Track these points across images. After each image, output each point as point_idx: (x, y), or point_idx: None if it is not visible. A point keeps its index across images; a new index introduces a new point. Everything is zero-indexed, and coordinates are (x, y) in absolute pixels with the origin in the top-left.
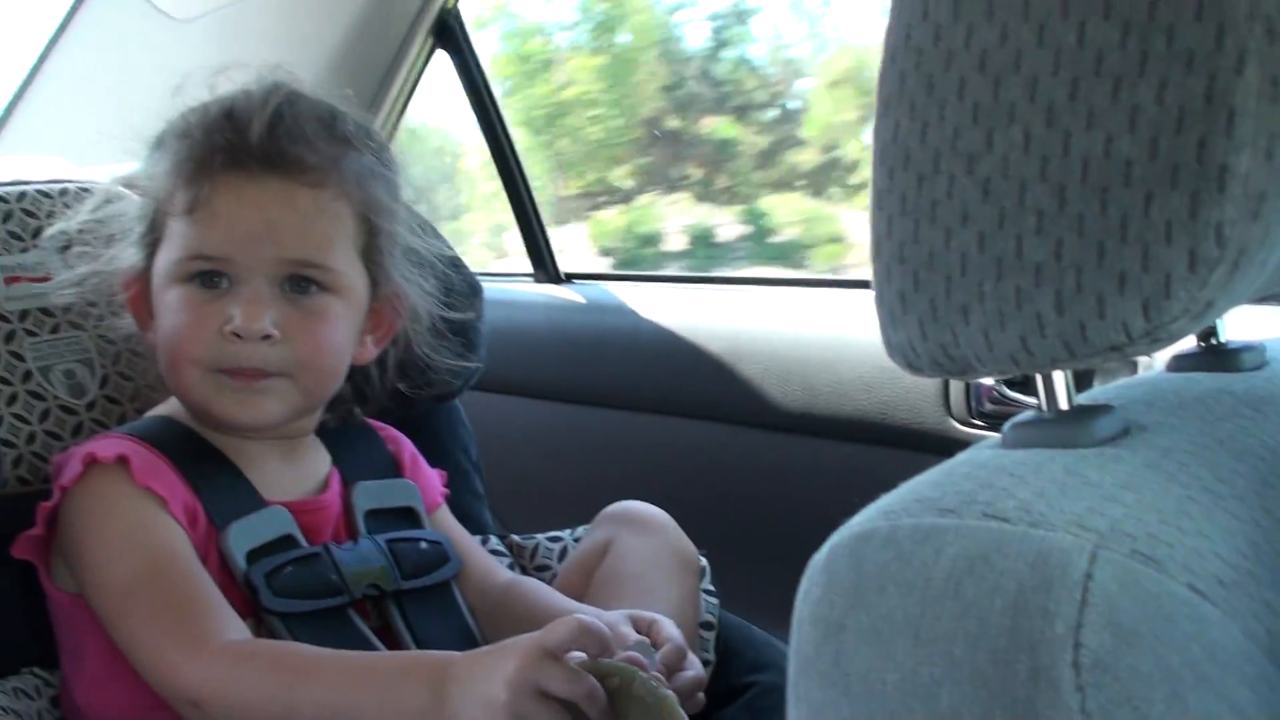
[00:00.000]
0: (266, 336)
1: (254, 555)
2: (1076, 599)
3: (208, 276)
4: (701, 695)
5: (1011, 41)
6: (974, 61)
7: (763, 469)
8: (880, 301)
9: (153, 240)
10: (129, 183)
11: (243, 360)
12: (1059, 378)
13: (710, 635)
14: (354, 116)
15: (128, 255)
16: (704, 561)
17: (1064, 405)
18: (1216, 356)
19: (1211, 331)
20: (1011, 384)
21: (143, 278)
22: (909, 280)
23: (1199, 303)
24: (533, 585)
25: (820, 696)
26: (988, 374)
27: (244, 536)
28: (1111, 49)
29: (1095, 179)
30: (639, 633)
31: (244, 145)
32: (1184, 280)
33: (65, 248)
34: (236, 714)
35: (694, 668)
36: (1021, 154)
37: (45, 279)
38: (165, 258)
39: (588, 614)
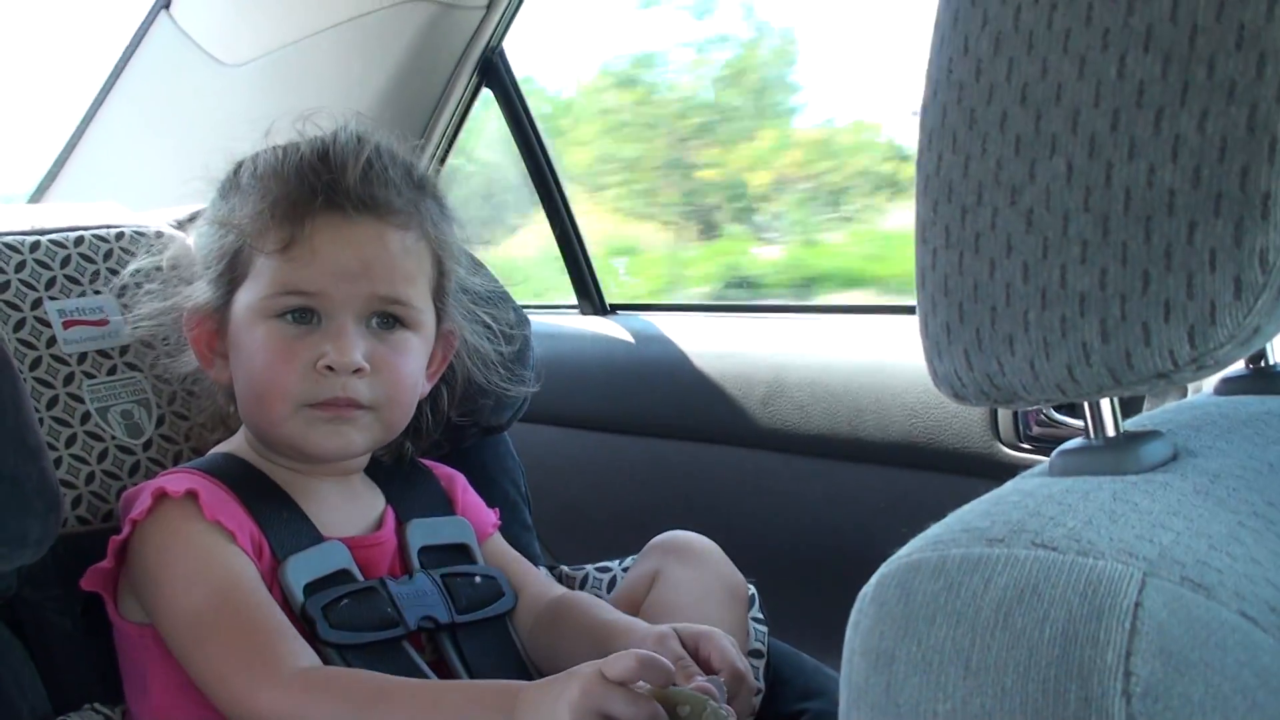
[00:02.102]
0: (358, 370)
1: (311, 588)
2: (1126, 627)
3: (299, 313)
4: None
5: (1052, 74)
6: (1015, 94)
7: (810, 495)
8: (925, 332)
9: (231, 278)
10: (185, 225)
11: (336, 392)
12: (1106, 405)
13: (760, 663)
14: (415, 159)
15: (198, 292)
16: (752, 589)
17: (1111, 432)
18: (1265, 379)
19: (1260, 354)
20: (1059, 406)
21: (213, 316)
22: (954, 311)
23: (1245, 329)
24: (581, 599)
25: None
26: (1034, 403)
27: (302, 570)
28: (1153, 80)
29: (1138, 208)
30: (687, 647)
31: (341, 187)
32: (1229, 306)
33: (122, 292)
34: None
35: (749, 682)
36: (1064, 185)
37: (103, 323)
38: (252, 294)
39: (638, 630)
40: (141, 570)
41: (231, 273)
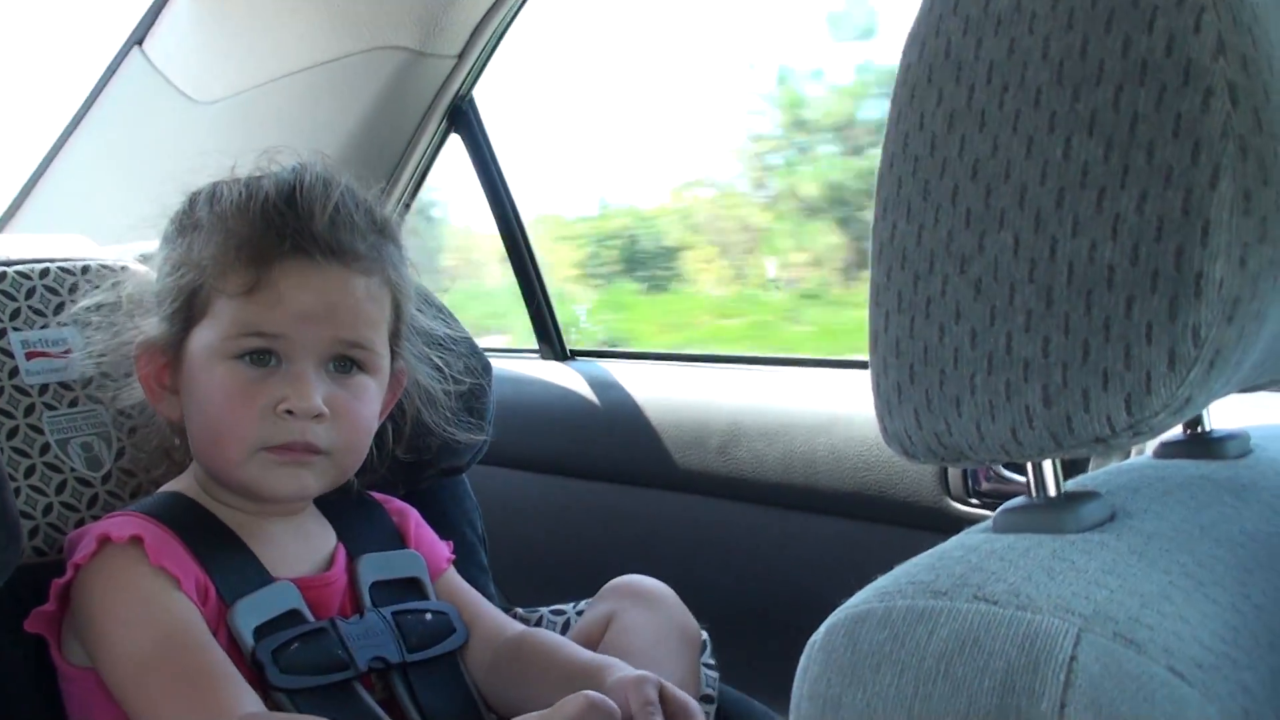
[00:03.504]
0: (318, 415)
1: (261, 631)
2: (1061, 679)
3: (259, 355)
4: None
5: (1002, 152)
6: (967, 170)
7: (763, 544)
8: (878, 391)
9: (188, 316)
10: (150, 260)
11: (295, 436)
12: (1048, 465)
13: (711, 709)
14: (377, 204)
15: (150, 327)
16: (705, 635)
17: (1052, 492)
18: (1202, 444)
19: (1197, 420)
20: (1008, 464)
21: (165, 351)
22: (905, 372)
23: (1178, 399)
24: (545, 636)
25: None
26: (980, 462)
27: (251, 613)
28: (1095, 162)
29: (1080, 282)
30: (665, 707)
31: (308, 233)
32: (1164, 377)
33: (86, 324)
34: None
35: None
36: (1011, 257)
37: (66, 354)
38: (211, 334)
39: (614, 670)
40: (85, 615)
41: (188, 310)
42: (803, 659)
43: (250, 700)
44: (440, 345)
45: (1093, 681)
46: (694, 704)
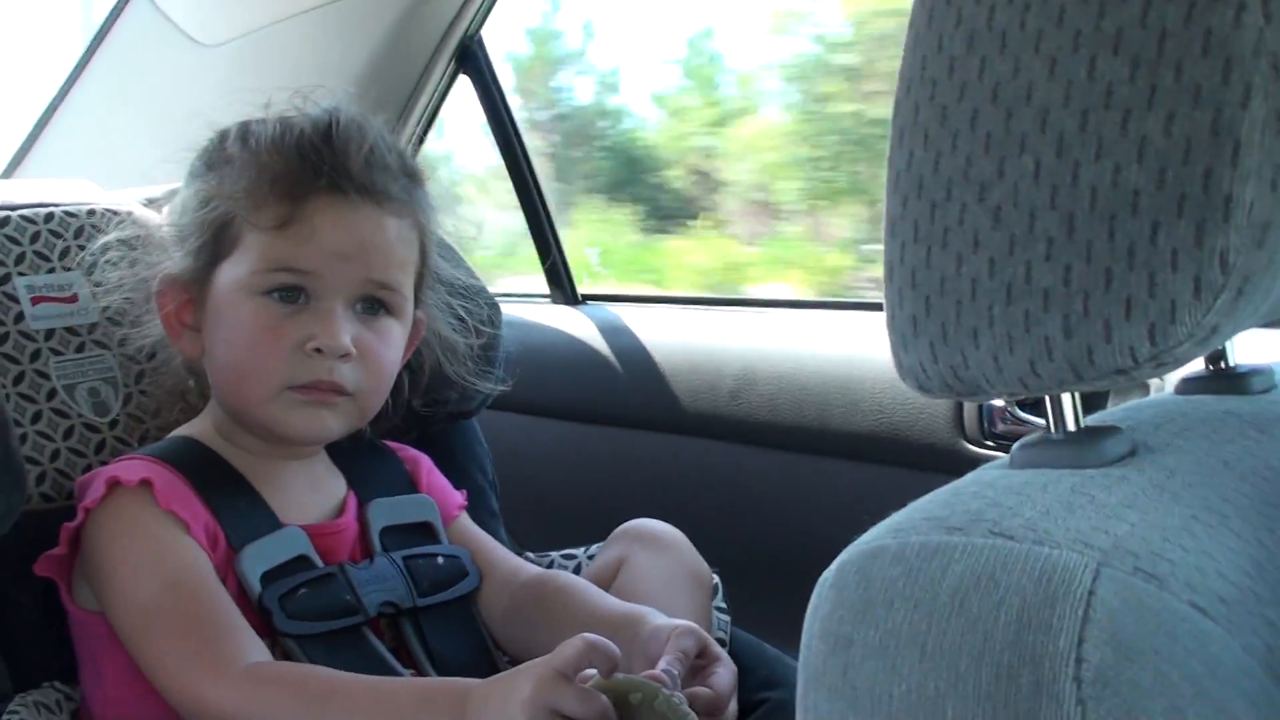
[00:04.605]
0: (345, 355)
1: (269, 577)
2: (1079, 614)
3: (288, 292)
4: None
5: (1024, 74)
6: (987, 93)
7: (776, 488)
8: (892, 325)
9: (215, 251)
10: (157, 204)
11: (321, 375)
12: (1067, 400)
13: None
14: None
15: (175, 262)
16: (716, 579)
17: (1071, 427)
18: (1225, 380)
19: (1221, 355)
20: (1023, 405)
21: (189, 287)
22: (921, 304)
23: (1204, 328)
24: (570, 581)
25: (828, 709)
26: (996, 396)
27: (258, 558)
28: (1121, 82)
29: (1104, 208)
30: (700, 661)
31: (345, 171)
32: (1189, 306)
33: (91, 269)
34: None
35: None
36: (1032, 183)
37: (72, 299)
38: (239, 269)
39: (650, 622)
40: (94, 559)
41: (216, 245)
42: (813, 597)
43: (257, 649)
44: (462, 295)
45: (1112, 616)
46: (727, 663)
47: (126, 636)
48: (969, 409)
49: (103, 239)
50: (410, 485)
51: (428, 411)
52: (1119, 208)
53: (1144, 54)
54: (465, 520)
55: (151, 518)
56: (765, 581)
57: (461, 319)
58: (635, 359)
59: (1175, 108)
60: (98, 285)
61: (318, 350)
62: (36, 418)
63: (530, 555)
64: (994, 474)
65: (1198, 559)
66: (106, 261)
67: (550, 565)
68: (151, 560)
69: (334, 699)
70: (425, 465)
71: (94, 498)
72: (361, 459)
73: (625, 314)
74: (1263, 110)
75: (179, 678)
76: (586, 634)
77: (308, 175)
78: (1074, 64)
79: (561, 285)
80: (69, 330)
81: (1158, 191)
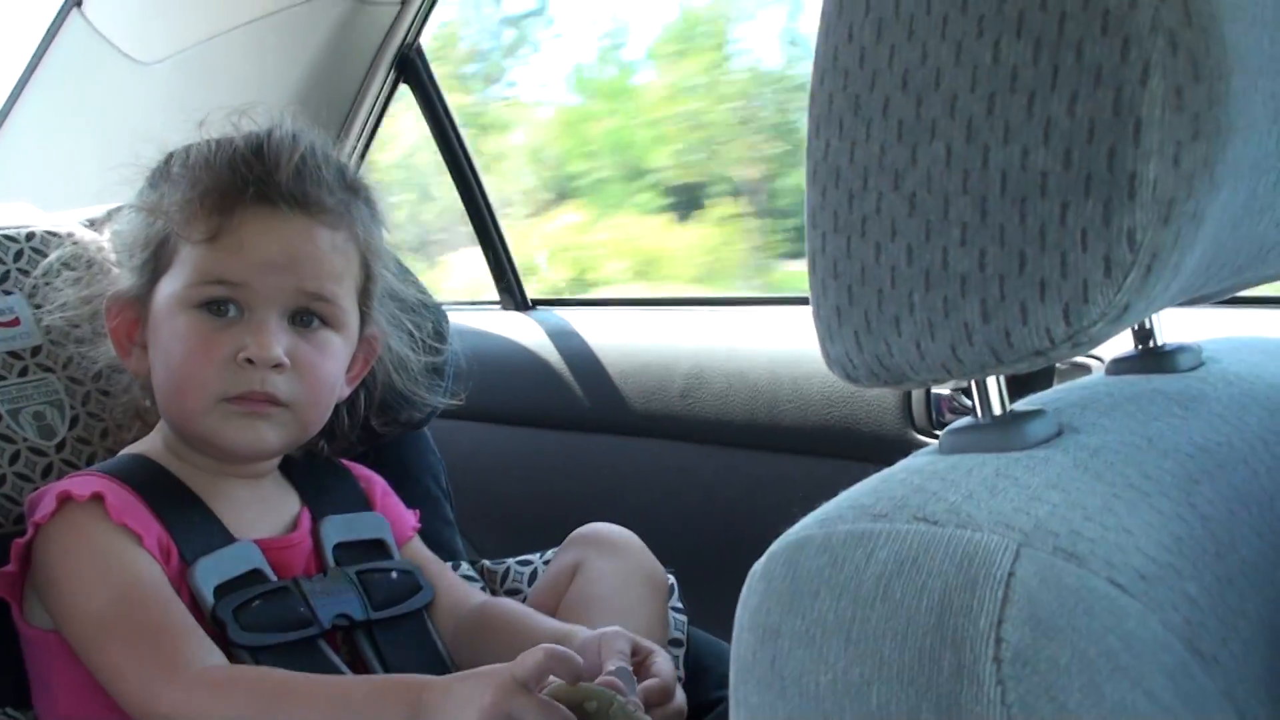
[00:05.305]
0: (278, 365)
1: (222, 590)
2: (999, 596)
3: (217, 305)
4: None
5: (931, 60)
6: (897, 81)
7: (729, 486)
8: (818, 315)
9: (155, 266)
10: (99, 225)
11: (254, 386)
12: (991, 384)
13: (680, 652)
14: (349, 165)
15: (120, 280)
16: (672, 580)
17: (997, 410)
18: (1153, 359)
19: (1149, 334)
20: (969, 394)
21: (134, 304)
22: (843, 294)
23: (1116, 306)
24: (508, 605)
25: (758, 700)
26: (922, 383)
27: (212, 571)
28: (1025, 65)
29: (1014, 190)
30: (635, 659)
31: (273, 182)
32: (1100, 285)
33: (34, 292)
34: None
35: (677, 702)
36: (944, 168)
37: (14, 323)
38: (175, 283)
39: (578, 636)
40: (45, 573)
41: (155, 261)
42: (744, 589)
43: (212, 655)
44: (413, 310)
45: (1030, 596)
46: (662, 652)
47: (80, 648)
48: (917, 400)
49: (45, 261)
50: (365, 504)
51: (381, 428)
52: (1029, 190)
53: (1045, 36)
54: (418, 543)
55: (103, 531)
56: (721, 579)
57: (411, 334)
58: (586, 362)
59: (1078, 88)
60: (39, 307)
61: (249, 361)
62: None
63: (487, 563)
64: (922, 460)
65: (1118, 536)
66: (48, 285)
67: (507, 573)
68: (103, 572)
69: (287, 697)
70: (380, 486)
71: (45, 513)
72: (315, 476)
73: (575, 317)
74: (1161, 87)
75: (133, 683)
76: (547, 644)
77: (236, 187)
78: (979, 48)
79: (511, 291)
80: (11, 354)
81: (1065, 172)
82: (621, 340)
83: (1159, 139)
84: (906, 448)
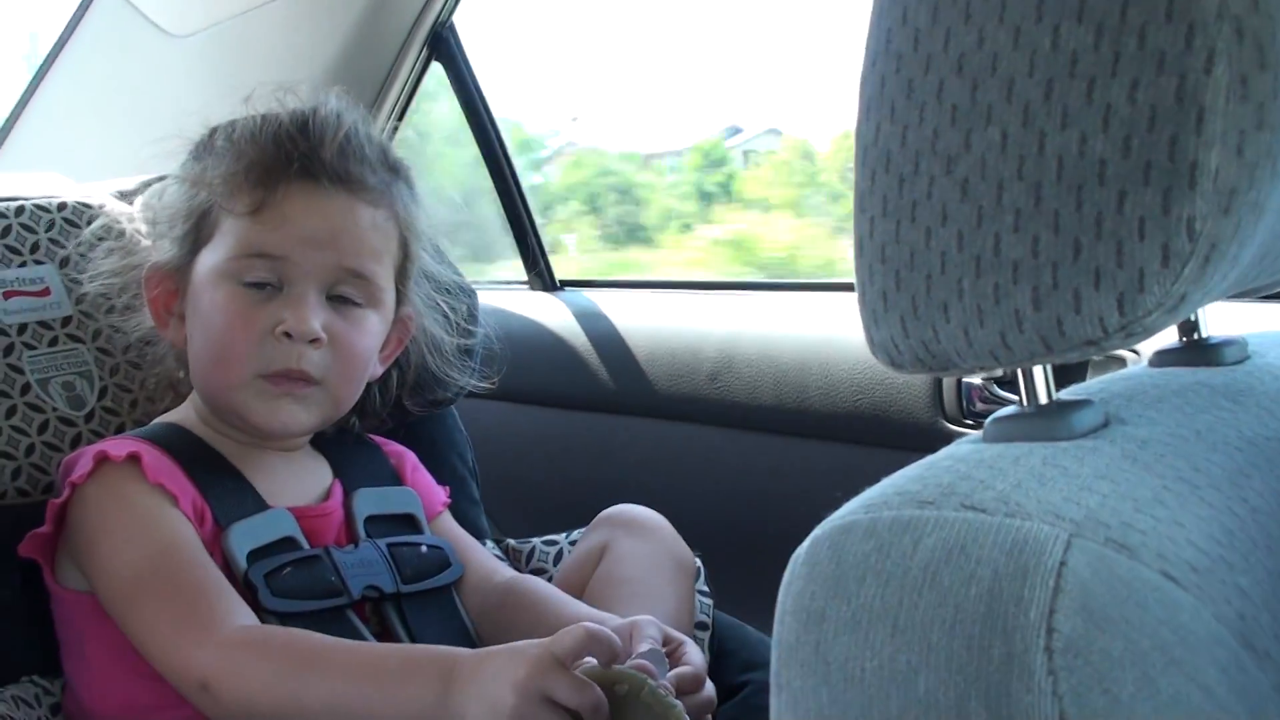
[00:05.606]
0: (314, 340)
1: (255, 556)
2: (1050, 586)
3: (260, 279)
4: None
5: (988, 44)
6: (952, 64)
7: (756, 470)
8: (863, 300)
9: (197, 238)
10: (129, 196)
11: (290, 363)
12: (1039, 373)
13: (705, 635)
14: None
15: (161, 250)
16: (698, 562)
17: (1044, 399)
18: (1198, 351)
19: (1194, 327)
20: (1001, 383)
21: (174, 275)
22: (891, 279)
23: (1172, 296)
24: (536, 584)
25: (801, 685)
26: (968, 370)
27: (246, 537)
28: (1085, 50)
29: (1070, 177)
30: (665, 649)
31: (317, 158)
32: (1157, 275)
33: (64, 263)
34: (245, 698)
35: (707, 691)
36: (999, 154)
37: (44, 293)
38: (216, 255)
39: (604, 620)
40: (80, 533)
41: (197, 232)
42: (787, 573)
43: (245, 615)
44: (447, 292)
45: (1083, 587)
46: (692, 643)
47: (113, 606)
48: (948, 388)
49: (83, 233)
50: (395, 479)
51: (413, 407)
52: (1086, 177)
53: (1107, 21)
54: (448, 518)
55: (139, 491)
56: (747, 564)
57: (446, 315)
58: (614, 344)
59: (1139, 75)
60: (75, 281)
61: (287, 335)
62: (11, 412)
63: (512, 542)
64: (967, 448)
65: (1169, 528)
66: (82, 256)
67: (532, 552)
68: (139, 530)
69: (320, 661)
70: (410, 461)
71: (81, 472)
72: (347, 450)
73: (603, 299)
74: (1226, 75)
75: (166, 642)
76: (587, 624)
77: (280, 162)
78: (1038, 33)
79: (539, 271)
80: (41, 324)
81: (1124, 160)
82: (649, 323)
83: (1222, 128)
84: (938, 436)
